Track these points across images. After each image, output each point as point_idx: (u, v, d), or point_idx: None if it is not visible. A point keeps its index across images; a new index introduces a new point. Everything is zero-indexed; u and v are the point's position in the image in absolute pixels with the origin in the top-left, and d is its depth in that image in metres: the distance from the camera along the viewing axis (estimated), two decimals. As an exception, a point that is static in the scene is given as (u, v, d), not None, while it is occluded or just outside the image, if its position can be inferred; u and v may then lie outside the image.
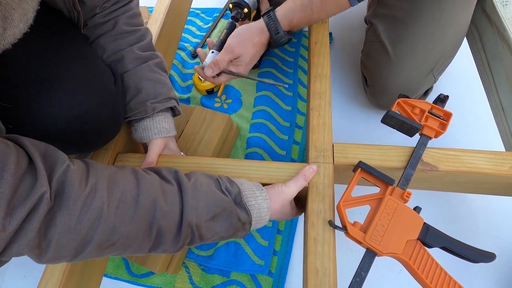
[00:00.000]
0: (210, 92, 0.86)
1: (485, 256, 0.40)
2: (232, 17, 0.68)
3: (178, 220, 0.37)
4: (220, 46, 0.61)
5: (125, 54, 0.52)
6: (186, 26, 1.05)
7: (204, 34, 1.01)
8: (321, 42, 0.64)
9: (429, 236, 0.41)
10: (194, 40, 1.00)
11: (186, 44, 0.99)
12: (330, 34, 0.99)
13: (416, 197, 0.48)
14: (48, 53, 0.43)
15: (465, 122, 0.77)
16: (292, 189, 0.46)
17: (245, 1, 0.65)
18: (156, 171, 0.41)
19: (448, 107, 0.52)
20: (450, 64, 0.68)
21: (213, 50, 0.61)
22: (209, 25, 1.03)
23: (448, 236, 0.42)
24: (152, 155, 0.51)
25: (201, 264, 0.67)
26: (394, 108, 0.51)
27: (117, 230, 0.33)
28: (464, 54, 0.75)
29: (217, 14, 1.05)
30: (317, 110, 0.56)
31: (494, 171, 0.46)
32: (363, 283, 0.40)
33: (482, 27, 0.68)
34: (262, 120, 0.80)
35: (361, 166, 0.46)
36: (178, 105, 0.57)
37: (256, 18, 0.65)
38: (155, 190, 0.36)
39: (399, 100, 0.52)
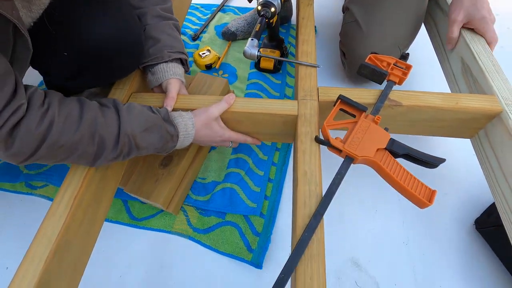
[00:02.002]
0: (209, 67, 0.96)
1: (438, 160, 0.50)
2: (261, 15, 0.73)
3: (116, 131, 0.46)
4: (256, 35, 0.69)
5: (148, 10, 0.61)
6: (187, 17, 1.17)
7: (203, 23, 1.13)
8: (307, 17, 0.77)
9: (395, 146, 0.51)
10: (194, 27, 1.13)
11: (187, 30, 1.11)
12: (315, 27, 1.14)
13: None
14: None
15: (422, 79, 0.93)
16: (214, 109, 0.57)
17: (271, 2, 0.73)
18: (97, 100, 0.49)
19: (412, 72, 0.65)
20: (414, 44, 0.83)
21: (252, 38, 0.69)
22: (208, 16, 1.16)
23: (409, 146, 0.52)
24: (173, 91, 0.59)
25: (198, 208, 0.73)
26: (367, 61, 0.63)
27: (64, 134, 0.41)
28: (424, 37, 0.90)
29: (215, 8, 1.18)
30: (303, 69, 0.67)
31: (445, 106, 0.58)
32: (343, 179, 0.48)
33: (437, 17, 0.84)
34: (255, 91, 0.91)
35: (341, 98, 0.56)
36: (188, 64, 0.67)
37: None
38: (96, 110, 0.46)
39: (370, 55, 0.64)
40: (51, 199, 0.75)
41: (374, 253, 0.68)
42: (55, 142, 0.41)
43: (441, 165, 0.51)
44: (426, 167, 0.52)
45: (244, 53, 0.67)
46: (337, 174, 0.49)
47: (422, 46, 0.94)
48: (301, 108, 0.58)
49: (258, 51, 0.67)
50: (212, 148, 0.82)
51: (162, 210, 0.73)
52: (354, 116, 0.56)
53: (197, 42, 1.06)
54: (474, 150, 0.65)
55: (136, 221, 0.72)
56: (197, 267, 0.67)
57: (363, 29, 0.76)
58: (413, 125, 0.64)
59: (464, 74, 0.69)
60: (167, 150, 0.55)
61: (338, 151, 0.52)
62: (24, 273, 0.41)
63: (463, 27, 0.70)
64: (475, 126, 0.62)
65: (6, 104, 0.36)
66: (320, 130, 0.55)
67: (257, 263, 0.65)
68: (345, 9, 0.87)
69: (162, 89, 0.63)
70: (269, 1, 0.73)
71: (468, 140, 0.67)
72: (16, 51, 0.43)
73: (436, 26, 0.84)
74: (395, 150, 0.51)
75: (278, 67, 0.95)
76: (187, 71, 0.67)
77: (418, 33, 0.83)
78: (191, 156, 0.73)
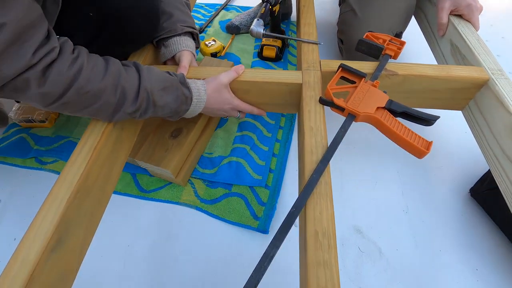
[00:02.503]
0: (214, 56, 1.01)
1: (433, 117, 0.54)
2: (266, 2, 0.76)
3: (137, 85, 0.50)
4: (261, 16, 0.73)
5: None
6: (193, 14, 1.23)
7: (207, 19, 1.19)
8: (308, 5, 0.84)
9: (393, 105, 0.55)
10: (199, 22, 1.19)
11: (192, 25, 1.17)
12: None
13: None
14: None
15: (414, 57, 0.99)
16: (224, 76, 0.61)
17: None
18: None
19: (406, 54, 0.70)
20: (407, 31, 0.89)
21: (258, 18, 0.73)
22: (212, 13, 1.23)
23: (406, 106, 0.56)
24: (185, 61, 0.64)
25: (205, 180, 0.75)
26: (364, 37, 0.69)
27: (91, 81, 0.45)
28: (415, 28, 0.97)
29: (219, 7, 1.25)
30: (306, 45, 0.72)
31: (438, 75, 0.63)
32: (346, 132, 0.52)
33: (426, 8, 0.91)
34: (258, 77, 0.95)
35: (342, 66, 0.61)
36: (199, 40, 0.72)
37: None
38: (119, 65, 0.50)
39: (367, 33, 0.70)
40: (60, 174, 0.77)
41: (376, 221, 0.70)
42: (83, 87, 0.44)
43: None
44: (422, 124, 0.56)
45: (251, 32, 0.72)
46: (341, 128, 0.53)
47: (412, 39, 1.01)
48: (305, 77, 0.63)
49: (264, 30, 0.72)
50: (219, 126, 0.85)
51: (170, 183, 0.75)
52: (354, 82, 0.60)
53: (202, 35, 1.12)
54: (466, 119, 0.69)
55: (144, 193, 0.74)
56: (203, 236, 0.69)
57: (358, 16, 0.83)
58: (409, 97, 0.68)
59: (453, 53, 0.75)
60: (180, 114, 0.58)
61: (340, 110, 0.55)
62: (46, 210, 0.43)
63: (451, 14, 0.77)
64: (465, 97, 0.67)
65: (41, 45, 0.40)
66: (323, 94, 0.59)
67: (264, 229, 0.67)
68: (341, 2, 0.94)
69: (175, 62, 0.67)
70: None
71: (459, 117, 0.72)
72: (46, 6, 0.47)
73: (426, 16, 0.91)
74: (394, 108, 0.55)
75: (279, 56, 1.00)
76: (197, 47, 0.72)
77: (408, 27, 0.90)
78: (199, 130, 0.76)
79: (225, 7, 1.26)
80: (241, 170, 0.75)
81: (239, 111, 0.67)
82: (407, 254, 0.65)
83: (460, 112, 0.72)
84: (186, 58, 0.64)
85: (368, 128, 0.85)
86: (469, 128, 0.68)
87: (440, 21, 0.77)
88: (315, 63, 0.66)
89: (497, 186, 0.58)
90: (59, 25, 0.54)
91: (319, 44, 0.71)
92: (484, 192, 0.68)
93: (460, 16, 0.76)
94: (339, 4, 0.99)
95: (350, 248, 0.67)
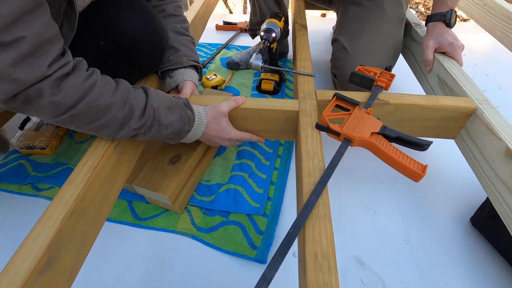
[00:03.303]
0: (215, 89, 1.06)
1: (426, 142, 0.56)
2: (264, 39, 0.86)
3: (144, 102, 0.53)
4: (260, 51, 0.79)
5: (170, 27, 0.72)
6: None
7: (209, 56, 1.27)
8: (303, 43, 0.90)
9: (387, 130, 0.57)
10: (201, 59, 1.26)
11: (195, 61, 1.25)
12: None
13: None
14: None
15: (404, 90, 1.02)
16: (224, 105, 0.64)
17: (272, 28, 0.87)
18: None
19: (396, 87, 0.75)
20: (396, 68, 0.95)
21: (257, 53, 0.79)
22: (213, 52, 1.31)
23: (399, 131, 0.58)
24: (187, 88, 0.68)
25: (202, 207, 0.74)
26: (356, 70, 0.73)
27: (103, 96, 0.47)
28: (403, 64, 1.03)
29: (220, 46, 1.34)
30: (302, 77, 0.76)
31: (427, 104, 0.66)
32: (342, 155, 0.53)
33: (412, 47, 0.99)
34: (256, 108, 0.99)
35: (336, 95, 0.64)
36: (202, 73, 0.77)
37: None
38: (128, 85, 0.53)
39: (359, 67, 0.75)
40: (55, 200, 0.76)
41: (377, 250, 0.68)
42: (94, 100, 0.46)
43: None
44: (416, 149, 0.57)
45: (250, 64, 0.77)
46: (337, 151, 0.54)
47: (401, 74, 1.08)
48: (301, 105, 0.65)
49: (262, 62, 0.77)
50: (217, 154, 0.86)
51: (166, 210, 0.74)
52: (348, 110, 0.63)
53: (204, 70, 1.19)
54: (459, 148, 0.71)
55: (139, 221, 0.72)
56: (199, 265, 0.66)
57: (349, 52, 0.89)
58: (401, 125, 0.71)
59: (441, 86, 0.79)
60: (181, 135, 0.60)
61: (336, 135, 0.57)
62: (39, 229, 0.42)
63: (435, 51, 0.83)
64: (456, 125, 0.69)
65: (56, 59, 0.42)
66: (320, 121, 0.62)
67: (261, 259, 0.64)
68: (333, 41, 1.01)
69: (178, 91, 0.71)
70: (271, 28, 0.86)
71: (453, 146, 0.74)
72: (62, 32, 0.51)
73: (412, 54, 0.98)
74: (388, 133, 0.57)
75: (277, 89, 1.05)
76: (200, 80, 0.76)
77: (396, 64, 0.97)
78: (198, 157, 0.77)
79: (226, 46, 1.35)
80: (239, 198, 0.74)
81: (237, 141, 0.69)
82: (412, 287, 0.62)
83: (453, 141, 0.74)
84: (188, 87, 0.68)
85: (364, 156, 0.86)
86: (463, 158, 0.70)
87: (426, 58, 0.83)
88: (311, 93, 0.69)
89: (497, 214, 0.58)
90: (71, 50, 0.58)
91: (315, 76, 0.75)
92: (484, 220, 0.67)
93: (444, 53, 0.82)
94: (332, 43, 1.07)
95: (352, 280, 0.64)
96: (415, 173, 0.51)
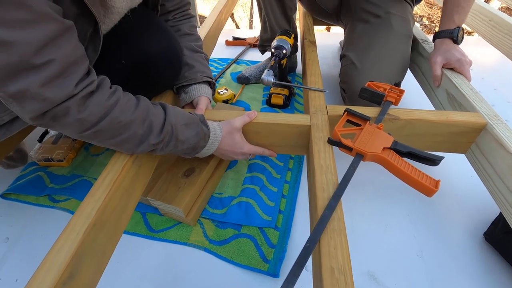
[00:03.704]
0: (226, 103, 1.08)
1: (438, 157, 0.57)
2: (275, 56, 0.87)
3: (162, 119, 0.55)
4: (271, 68, 0.82)
5: (184, 45, 0.76)
6: (205, 67, 1.36)
7: (220, 71, 1.31)
8: (313, 59, 0.93)
9: (399, 145, 0.58)
10: (212, 73, 1.30)
11: (206, 76, 1.28)
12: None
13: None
14: (149, 16, 0.66)
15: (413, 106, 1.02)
16: (237, 120, 0.66)
17: (283, 45, 0.89)
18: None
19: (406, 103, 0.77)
20: (405, 82, 0.97)
21: (268, 69, 0.81)
22: (224, 66, 1.35)
23: (411, 147, 0.59)
24: (202, 104, 0.70)
25: (215, 220, 0.75)
26: (366, 86, 0.75)
27: (124, 113, 0.50)
28: (411, 79, 1.05)
29: (230, 61, 1.38)
30: (312, 93, 0.78)
31: (437, 119, 0.67)
32: (355, 170, 0.54)
33: (419, 62, 1.01)
34: (267, 122, 1.01)
35: (347, 110, 0.66)
36: (215, 88, 0.79)
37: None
38: (148, 102, 0.55)
39: (369, 82, 0.76)
40: (72, 212, 0.78)
41: (390, 266, 0.68)
42: (116, 117, 0.48)
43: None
44: (428, 164, 0.58)
45: (262, 80, 0.79)
46: (350, 166, 0.55)
47: (410, 90, 1.09)
48: (313, 120, 0.67)
49: (274, 79, 0.79)
50: (229, 167, 0.88)
51: (179, 223, 0.75)
52: (359, 125, 0.64)
53: (216, 84, 1.22)
54: (470, 162, 0.71)
55: (153, 233, 0.73)
56: (211, 279, 0.66)
57: (358, 68, 0.91)
58: (412, 140, 0.72)
59: (450, 102, 0.81)
60: (197, 150, 0.62)
61: (348, 150, 0.58)
62: (62, 242, 0.44)
63: (443, 67, 0.85)
64: (466, 140, 0.70)
65: (82, 79, 0.45)
66: (331, 136, 0.63)
67: (274, 273, 0.65)
68: (342, 57, 1.04)
69: (192, 107, 0.73)
70: (281, 45, 0.89)
71: (464, 161, 0.74)
72: (87, 54, 0.54)
73: (420, 69, 1.00)
74: (399, 148, 0.58)
75: (287, 103, 1.07)
76: (213, 95, 0.79)
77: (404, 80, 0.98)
78: (210, 170, 0.78)
79: (236, 61, 1.39)
80: (251, 211, 0.75)
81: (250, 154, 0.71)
82: (427, 303, 0.62)
83: (464, 155, 0.74)
84: (203, 102, 0.70)
85: (375, 170, 0.87)
86: (474, 172, 0.70)
87: (435, 74, 0.84)
88: (322, 108, 0.71)
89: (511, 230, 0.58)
90: (95, 69, 0.61)
91: (325, 91, 0.77)
92: (498, 236, 0.67)
93: (452, 69, 0.84)
94: (340, 59, 1.09)
95: (365, 295, 0.63)
96: (428, 188, 0.52)
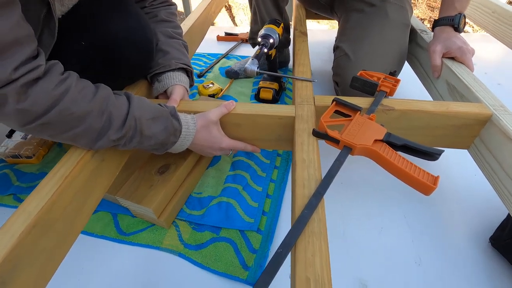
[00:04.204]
0: (212, 97, 1.02)
1: (437, 150, 0.50)
2: (262, 45, 0.81)
3: (125, 112, 0.48)
4: (256, 57, 0.75)
5: (160, 31, 0.69)
6: (196, 62, 1.30)
7: (208, 65, 1.25)
8: (302, 49, 0.87)
9: (392, 137, 0.51)
10: (200, 68, 1.24)
11: (194, 70, 1.22)
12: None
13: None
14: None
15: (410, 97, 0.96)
16: (214, 112, 0.59)
17: (270, 34, 0.82)
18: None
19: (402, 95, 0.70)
20: (402, 76, 0.90)
21: (252, 58, 0.75)
22: (213, 61, 1.28)
23: (406, 139, 0.52)
24: (176, 94, 0.63)
25: (192, 222, 0.68)
26: (358, 75, 0.68)
27: (77, 103, 0.43)
28: (410, 72, 0.98)
29: (220, 56, 1.32)
30: (300, 83, 0.72)
31: (437, 110, 0.60)
32: (341, 165, 0.47)
33: (418, 53, 0.94)
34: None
35: (336, 99, 0.59)
36: (193, 77, 0.73)
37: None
38: (109, 91, 0.48)
39: (361, 71, 0.70)
40: (36, 212, 0.71)
41: (385, 274, 0.61)
42: (67, 108, 0.42)
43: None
44: (425, 159, 0.51)
45: (245, 70, 0.73)
46: (336, 160, 0.48)
47: (407, 81, 1.03)
48: (298, 110, 0.60)
49: (257, 68, 0.73)
50: (211, 164, 0.81)
51: (153, 225, 0.68)
52: (349, 116, 0.58)
53: (202, 79, 1.16)
54: (474, 158, 0.64)
55: (123, 236, 0.67)
56: (185, 286, 0.59)
57: (352, 59, 0.84)
58: (408, 134, 0.65)
59: (451, 93, 0.74)
60: (167, 146, 0.55)
61: (335, 143, 0.52)
62: (-7, 245, 0.37)
63: (443, 57, 0.78)
64: (469, 134, 0.63)
65: (25, 61, 0.38)
66: (317, 127, 0.56)
67: (253, 281, 0.58)
68: (335, 49, 0.97)
69: (167, 97, 0.67)
70: (268, 34, 0.83)
71: (467, 157, 0.67)
72: (42, 39, 0.48)
73: (418, 60, 0.93)
74: (393, 141, 0.51)
75: (276, 98, 1.01)
76: (191, 85, 0.72)
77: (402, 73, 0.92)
78: (188, 167, 0.72)
79: (226, 55, 1.33)
80: (232, 212, 0.69)
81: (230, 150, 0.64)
82: (425, 317, 0.54)
83: (467, 151, 0.67)
84: (177, 92, 0.64)
85: (369, 168, 0.80)
86: (478, 169, 0.63)
87: (434, 63, 0.78)
88: (308, 98, 0.64)
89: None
90: (52, 55, 0.55)
91: (313, 81, 0.71)
92: (506, 241, 0.59)
93: (453, 58, 0.77)
94: (334, 51, 1.03)
95: (355, 307, 0.56)
96: (425, 186, 0.45)
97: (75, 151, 0.51)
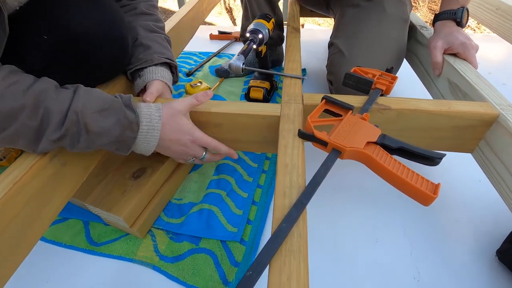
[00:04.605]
0: (199, 97, 0.97)
1: (437, 154, 0.44)
2: (250, 40, 0.76)
3: (66, 107, 0.41)
4: (243, 53, 0.71)
5: (139, 25, 0.64)
6: (185, 60, 1.25)
7: (198, 64, 1.20)
8: (294, 45, 0.81)
9: (387, 140, 0.46)
10: (189, 66, 1.19)
11: (182, 69, 1.17)
12: (304, 69, 1.20)
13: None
14: None
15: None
16: (181, 103, 0.53)
17: (259, 29, 0.77)
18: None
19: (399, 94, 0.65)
20: (400, 74, 0.84)
21: (238, 54, 0.70)
22: (203, 60, 1.23)
23: (403, 141, 0.46)
24: (151, 89, 0.57)
25: (169, 232, 0.63)
26: (352, 71, 0.63)
27: (4, 99, 0.37)
28: (409, 71, 0.93)
29: (211, 55, 1.27)
30: (288, 80, 0.66)
31: (437, 110, 0.54)
32: (328, 170, 0.42)
33: (417, 51, 0.88)
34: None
35: (325, 97, 0.53)
36: (178, 73, 0.67)
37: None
38: (51, 86, 0.42)
39: (355, 68, 0.64)
40: None
41: (379, 290, 0.55)
42: None
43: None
44: (425, 164, 0.45)
45: (230, 66, 0.67)
46: (323, 165, 0.42)
47: (405, 79, 0.97)
48: (284, 109, 0.55)
49: (243, 64, 0.67)
50: (193, 169, 0.75)
51: (127, 234, 0.63)
52: (340, 115, 0.52)
53: (191, 77, 1.11)
54: (478, 163, 0.59)
55: (94, 246, 0.61)
56: (158, 304, 0.54)
57: (346, 56, 0.79)
58: (405, 136, 0.59)
59: (453, 92, 0.68)
60: (127, 144, 0.48)
61: (323, 145, 0.46)
62: None
63: (445, 53, 0.72)
64: (473, 137, 0.57)
65: None
66: (304, 128, 0.51)
67: (233, 299, 0.52)
68: (330, 45, 0.92)
69: None
70: (257, 29, 0.78)
71: (470, 161, 0.61)
72: None
73: (418, 58, 0.88)
74: (388, 143, 0.45)
75: (267, 98, 0.95)
76: (176, 81, 0.67)
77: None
78: (167, 171, 0.66)
79: (217, 54, 1.28)
80: (213, 220, 0.63)
81: (205, 149, 0.57)
82: None
83: (470, 155, 0.61)
84: (154, 86, 0.58)
85: (363, 172, 0.74)
86: (484, 175, 0.57)
87: (435, 60, 0.72)
88: (296, 97, 0.59)
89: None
90: (13, 51, 0.49)
91: (303, 78, 0.65)
92: (515, 255, 0.53)
93: (455, 55, 0.72)
94: (328, 48, 0.97)
95: (346, 329, 0.50)
96: (424, 195, 0.39)
97: (31, 154, 0.46)
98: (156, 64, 0.62)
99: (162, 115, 0.50)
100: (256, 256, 0.31)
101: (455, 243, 0.61)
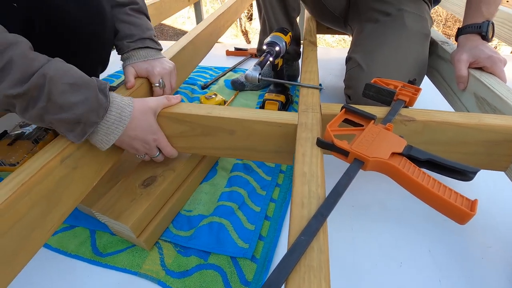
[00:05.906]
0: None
1: (471, 168, 0.40)
2: (267, 52, 0.76)
3: (35, 67, 0.39)
4: (260, 64, 0.70)
5: (115, 14, 0.62)
6: (201, 74, 1.26)
7: (213, 78, 1.21)
8: (311, 57, 0.80)
9: (414, 151, 0.42)
10: (205, 80, 1.20)
11: (198, 82, 1.18)
12: (320, 84, 1.19)
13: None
14: None
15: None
16: (156, 101, 0.54)
17: (276, 42, 0.77)
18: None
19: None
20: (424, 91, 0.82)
21: (255, 65, 0.70)
22: (219, 74, 1.24)
23: (431, 153, 0.43)
24: (127, 75, 0.60)
25: (177, 245, 0.60)
26: (372, 82, 0.60)
27: None
28: (430, 87, 0.89)
29: (227, 69, 1.28)
30: (306, 90, 0.64)
31: (466, 122, 0.51)
32: (351, 181, 0.38)
33: (440, 67, 0.86)
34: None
35: (345, 107, 0.51)
36: (156, 41, 0.66)
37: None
38: (26, 43, 0.40)
39: (375, 78, 0.62)
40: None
41: (405, 321, 0.49)
42: None
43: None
44: (455, 178, 0.41)
45: (246, 76, 0.66)
46: (345, 174, 0.39)
47: (428, 99, 0.93)
48: (301, 118, 0.53)
49: (260, 74, 0.66)
50: (205, 180, 0.73)
51: (133, 245, 0.60)
52: (361, 125, 0.49)
53: (206, 90, 1.11)
54: (513, 182, 0.54)
55: (99, 257, 0.58)
56: (161, 324, 0.50)
57: (365, 70, 0.77)
58: (431, 150, 0.54)
59: (480, 106, 0.64)
60: (84, 127, 0.45)
61: (344, 155, 0.43)
62: None
63: (470, 67, 0.69)
64: (506, 153, 0.53)
65: None
66: (322, 136, 0.48)
67: (242, 322, 0.47)
68: (348, 60, 0.90)
69: (159, 92, 0.64)
70: (274, 41, 0.77)
71: (504, 182, 0.56)
72: None
73: (440, 74, 0.85)
74: (415, 155, 0.42)
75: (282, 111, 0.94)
76: (160, 49, 0.67)
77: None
78: (178, 180, 0.64)
79: (233, 69, 1.29)
80: (224, 235, 0.59)
81: (159, 149, 0.57)
82: None
83: (504, 173, 0.56)
84: (126, 73, 0.61)
85: (385, 188, 0.70)
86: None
87: (459, 73, 0.69)
88: (314, 106, 0.57)
89: None
90: None
91: (321, 88, 0.63)
92: None
93: (481, 69, 0.68)
94: (346, 62, 0.96)
95: None
96: (461, 212, 0.35)
97: (43, 154, 0.45)
98: (127, 52, 0.62)
99: (132, 110, 0.49)
100: (270, 273, 0.28)
101: (488, 269, 0.55)
